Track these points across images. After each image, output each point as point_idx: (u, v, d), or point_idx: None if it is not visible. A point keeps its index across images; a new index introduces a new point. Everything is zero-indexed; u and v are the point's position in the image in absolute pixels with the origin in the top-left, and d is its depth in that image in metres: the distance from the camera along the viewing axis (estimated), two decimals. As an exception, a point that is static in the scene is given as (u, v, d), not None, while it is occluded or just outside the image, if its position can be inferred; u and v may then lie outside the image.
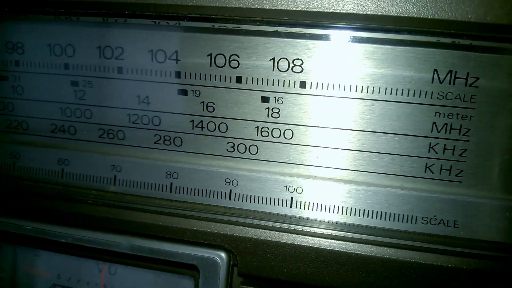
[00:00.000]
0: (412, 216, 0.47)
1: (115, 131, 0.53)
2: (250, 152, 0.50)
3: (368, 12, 0.40)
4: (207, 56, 0.48)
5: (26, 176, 0.56)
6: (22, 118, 0.56)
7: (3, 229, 0.55)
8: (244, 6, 0.44)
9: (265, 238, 0.47)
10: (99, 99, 0.52)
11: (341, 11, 0.42)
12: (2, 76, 0.55)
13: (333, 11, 0.41)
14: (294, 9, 0.42)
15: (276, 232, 0.46)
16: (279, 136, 0.49)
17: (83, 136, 0.54)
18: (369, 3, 0.41)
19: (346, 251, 0.45)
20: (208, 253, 0.48)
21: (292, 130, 0.48)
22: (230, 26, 0.47)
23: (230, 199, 0.50)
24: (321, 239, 0.46)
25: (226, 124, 0.50)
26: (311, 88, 0.47)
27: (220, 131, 0.50)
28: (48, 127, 0.55)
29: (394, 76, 0.45)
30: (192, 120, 0.50)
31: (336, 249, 0.45)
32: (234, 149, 0.50)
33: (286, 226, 0.48)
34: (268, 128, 0.49)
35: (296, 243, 0.46)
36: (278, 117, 0.48)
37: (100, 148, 0.53)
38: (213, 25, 0.47)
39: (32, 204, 0.54)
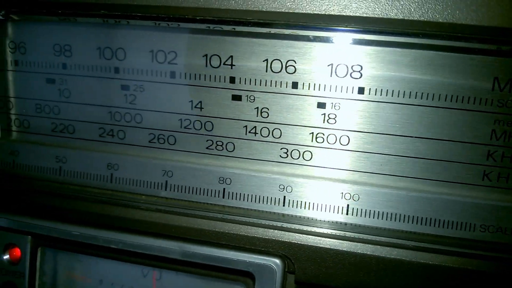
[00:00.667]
0: (470, 223, 0.47)
1: (166, 136, 0.53)
2: (304, 158, 0.51)
3: (439, 20, 0.41)
4: (263, 61, 0.49)
5: (73, 180, 0.56)
6: (68, 122, 0.56)
7: (47, 234, 0.56)
8: (310, 12, 0.44)
9: (324, 246, 0.48)
10: (150, 104, 0.53)
11: (412, 19, 0.42)
12: (49, 79, 0.55)
13: (403, 18, 0.42)
14: (362, 15, 0.43)
15: (336, 240, 0.47)
16: (334, 142, 0.50)
17: (132, 141, 0.55)
18: (437, 11, 0.41)
19: (407, 259, 0.46)
20: (264, 260, 0.49)
21: (348, 136, 0.49)
22: (287, 31, 0.47)
23: (284, 205, 0.51)
24: (382, 247, 0.46)
25: (280, 130, 0.50)
26: (369, 94, 0.47)
27: (273, 136, 0.51)
28: (96, 131, 0.56)
29: (453, 84, 0.46)
30: (246, 126, 0.51)
31: (398, 257, 0.46)
32: (287, 155, 0.51)
33: (342, 233, 0.49)
34: (323, 134, 0.50)
35: (356, 251, 0.46)
36: (335, 123, 0.49)
37: (150, 153, 0.54)
38: (270, 31, 0.48)
39: (80, 209, 0.55)
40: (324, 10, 0.44)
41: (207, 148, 0.53)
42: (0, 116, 0.59)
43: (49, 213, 0.56)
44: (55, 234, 0.56)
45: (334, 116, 0.49)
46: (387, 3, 0.42)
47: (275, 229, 0.50)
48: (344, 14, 0.43)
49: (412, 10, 0.42)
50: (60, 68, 0.55)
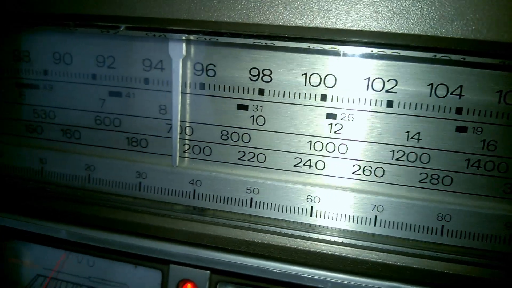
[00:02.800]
0: None
1: (373, 168, 0.54)
2: (531, 195, 0.51)
3: None
4: (496, 93, 0.49)
5: (265, 213, 0.57)
6: (259, 150, 0.57)
7: (231, 270, 0.56)
8: None
9: None
10: (358, 134, 0.54)
11: None
12: (241, 105, 0.56)
13: None
14: None
15: None
16: None
17: (333, 172, 0.55)
18: None
19: None
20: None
21: None
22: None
23: (510, 244, 0.51)
24: None
25: (506, 164, 0.51)
26: None
27: (498, 171, 0.52)
28: (291, 161, 0.56)
29: None
30: (468, 159, 0.52)
31: None
32: (512, 191, 0.52)
33: None
34: (556, 170, 0.50)
35: None
36: None
37: (353, 185, 0.55)
38: (504, 62, 0.48)
39: (273, 243, 0.56)
40: None
41: (420, 181, 0.54)
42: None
43: (231, 246, 0.57)
44: (241, 270, 0.56)
45: None
46: None
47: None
48: None
49: None
50: (256, 94, 0.55)
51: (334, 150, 0.56)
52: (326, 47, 0.52)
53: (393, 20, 0.45)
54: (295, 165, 0.57)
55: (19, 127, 0.66)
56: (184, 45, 0.56)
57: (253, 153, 0.58)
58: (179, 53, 0.56)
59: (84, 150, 0.63)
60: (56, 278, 0.70)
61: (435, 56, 0.50)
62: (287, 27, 0.48)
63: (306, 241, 0.55)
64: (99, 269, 0.67)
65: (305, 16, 0.47)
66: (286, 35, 0.48)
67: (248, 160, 0.58)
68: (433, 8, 0.45)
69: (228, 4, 0.49)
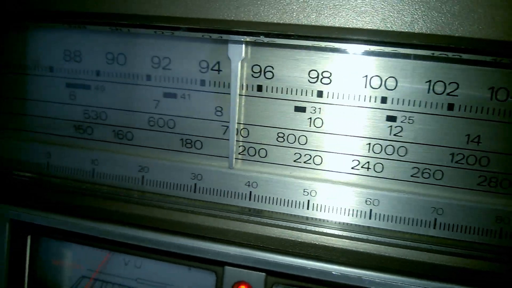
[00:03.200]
0: None
1: (432, 171, 0.55)
2: None
3: None
4: (560, 96, 0.51)
5: (321, 215, 0.58)
6: (315, 152, 0.58)
7: (285, 272, 0.57)
8: None
9: None
10: (416, 136, 0.55)
11: None
12: (298, 107, 0.56)
13: None
14: None
15: None
16: None
17: (391, 175, 0.56)
18: None
19: None
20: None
21: None
22: None
23: None
24: None
25: None
26: None
27: (560, 174, 0.53)
28: (348, 163, 0.57)
29: None
30: (527, 162, 0.53)
31: None
32: None
33: None
34: None
35: None
36: None
37: (412, 187, 0.55)
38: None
39: (326, 244, 0.56)
40: None
41: (478, 184, 0.54)
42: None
43: (288, 248, 0.57)
44: (298, 272, 0.57)
45: None
46: None
47: None
48: None
49: None
50: (315, 96, 0.56)
51: (393, 153, 0.56)
52: (390, 49, 0.53)
53: (465, 25, 0.47)
54: (352, 168, 0.58)
55: (68, 128, 0.66)
56: (243, 46, 0.57)
57: (310, 155, 0.59)
58: (239, 55, 0.57)
59: (137, 151, 0.64)
60: (102, 280, 0.70)
61: (495, 59, 0.52)
62: (356, 29, 0.49)
63: (365, 243, 0.56)
64: (147, 270, 0.67)
65: (377, 19, 0.48)
66: (355, 38, 0.50)
67: (304, 162, 0.59)
68: (501, 12, 0.47)
69: (296, 6, 0.50)
